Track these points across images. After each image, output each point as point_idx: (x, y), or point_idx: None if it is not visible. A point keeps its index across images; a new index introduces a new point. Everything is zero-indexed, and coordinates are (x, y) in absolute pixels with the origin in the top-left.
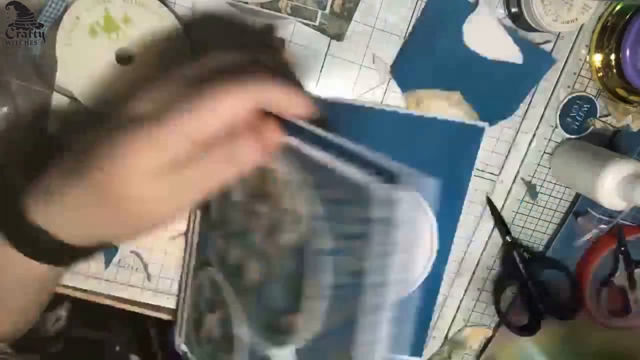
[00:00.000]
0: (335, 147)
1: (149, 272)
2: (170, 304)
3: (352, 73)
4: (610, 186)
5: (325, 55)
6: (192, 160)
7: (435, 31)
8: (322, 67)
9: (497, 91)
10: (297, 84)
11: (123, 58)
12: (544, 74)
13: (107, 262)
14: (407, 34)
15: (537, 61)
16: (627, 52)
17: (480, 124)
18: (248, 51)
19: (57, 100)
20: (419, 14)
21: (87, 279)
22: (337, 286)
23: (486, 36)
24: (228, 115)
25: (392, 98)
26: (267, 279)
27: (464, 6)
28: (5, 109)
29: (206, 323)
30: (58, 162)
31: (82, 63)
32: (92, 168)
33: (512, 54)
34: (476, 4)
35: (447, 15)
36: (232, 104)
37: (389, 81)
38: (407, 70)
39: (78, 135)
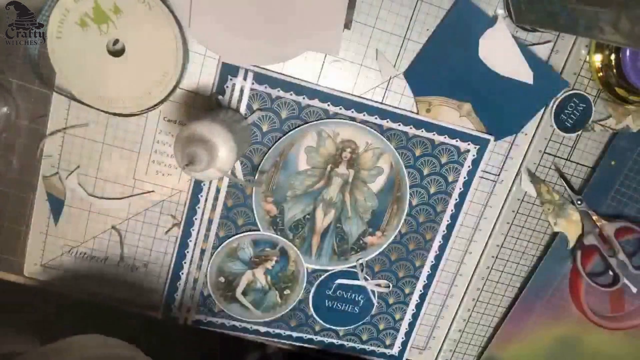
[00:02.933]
0: None
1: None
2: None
3: (352, 73)
4: None
5: (325, 55)
6: None
7: (453, 41)
8: (322, 67)
9: (506, 108)
10: None
11: (114, 49)
12: (555, 96)
13: (56, 217)
14: (407, 34)
15: (549, 83)
16: (627, 52)
17: (486, 136)
18: None
19: (57, 100)
20: (418, 15)
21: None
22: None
23: (500, 52)
24: None
25: (392, 98)
26: (342, 218)
27: (483, 20)
28: (5, 109)
29: (243, 279)
30: None
31: (73, 56)
32: None
33: (523, 73)
34: (495, 19)
35: (466, 27)
36: None
37: (389, 80)
38: (421, 75)
39: None
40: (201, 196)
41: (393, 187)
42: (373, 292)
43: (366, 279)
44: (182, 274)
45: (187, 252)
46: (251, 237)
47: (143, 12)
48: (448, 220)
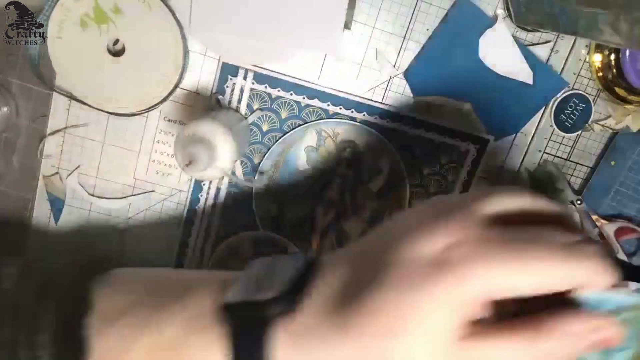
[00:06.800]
0: None
1: None
2: None
3: (352, 73)
4: None
5: (325, 55)
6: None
7: (453, 40)
8: (322, 67)
9: (506, 108)
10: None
11: (114, 49)
12: (555, 95)
13: (56, 217)
14: (407, 34)
15: (549, 83)
16: (627, 52)
17: (486, 136)
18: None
19: (57, 100)
20: (418, 15)
21: None
22: None
23: (500, 52)
24: (549, 286)
25: (392, 98)
26: (342, 218)
27: (483, 20)
28: (5, 109)
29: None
30: (312, 305)
31: (73, 55)
32: (370, 331)
33: (523, 73)
34: (495, 19)
35: (466, 27)
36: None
37: (389, 80)
38: (421, 75)
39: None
40: (201, 196)
41: (393, 187)
42: None
43: None
44: None
45: (187, 251)
46: (251, 237)
47: (143, 12)
48: None
